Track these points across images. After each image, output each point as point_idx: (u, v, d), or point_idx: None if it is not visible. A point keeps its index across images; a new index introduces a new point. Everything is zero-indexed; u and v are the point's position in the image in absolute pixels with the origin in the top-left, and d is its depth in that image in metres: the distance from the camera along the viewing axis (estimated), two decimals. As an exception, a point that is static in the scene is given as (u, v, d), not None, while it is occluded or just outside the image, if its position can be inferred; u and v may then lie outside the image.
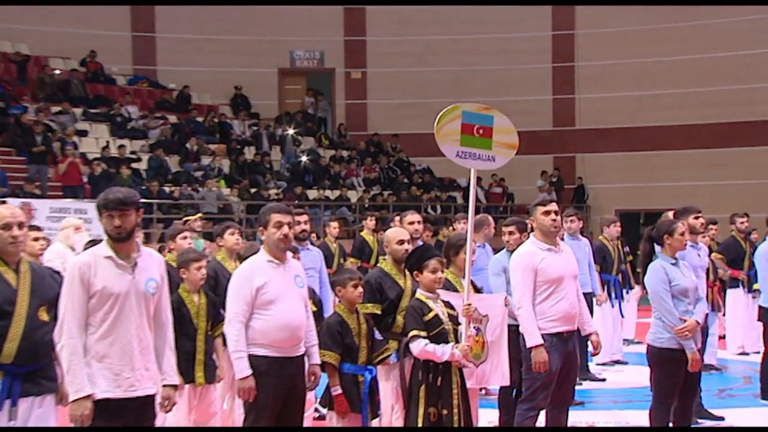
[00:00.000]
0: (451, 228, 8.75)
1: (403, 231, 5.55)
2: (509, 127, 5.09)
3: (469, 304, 4.89)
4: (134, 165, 16.92)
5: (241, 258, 5.32)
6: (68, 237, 7.52)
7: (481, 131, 4.98)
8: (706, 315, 6.25)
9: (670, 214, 6.71)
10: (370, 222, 10.92)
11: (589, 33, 21.86)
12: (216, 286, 5.79)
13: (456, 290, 5.22)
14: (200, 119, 20.02)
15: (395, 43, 22.42)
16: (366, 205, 18.25)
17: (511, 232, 6.35)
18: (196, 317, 5.30)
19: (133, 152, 17.63)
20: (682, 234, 5.30)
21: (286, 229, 4.40)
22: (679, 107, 21.10)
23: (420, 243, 6.29)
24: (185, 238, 6.29)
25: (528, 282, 5.09)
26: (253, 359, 4.35)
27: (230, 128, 20.25)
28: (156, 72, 21.85)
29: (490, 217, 7.45)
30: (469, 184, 5.10)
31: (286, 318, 4.39)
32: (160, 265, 3.88)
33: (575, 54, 22.16)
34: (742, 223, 9.77)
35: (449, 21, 22.26)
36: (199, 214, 10.07)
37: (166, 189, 16.41)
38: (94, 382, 3.62)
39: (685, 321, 5.13)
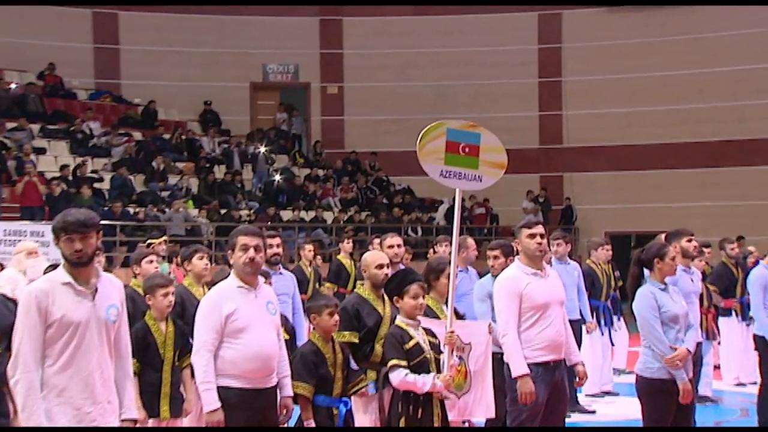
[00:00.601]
0: (431, 251, 8.77)
1: (382, 255, 5.57)
2: (497, 146, 5.13)
3: (452, 332, 4.90)
4: (96, 185, 16.83)
5: (212, 283, 5.31)
6: (20, 261, 7.45)
7: (467, 149, 5.02)
8: (700, 344, 6.30)
9: (661, 236, 6.77)
10: (347, 245, 10.93)
11: (577, 46, 22.12)
12: (183, 314, 5.78)
13: (437, 317, 5.24)
14: (167, 136, 19.97)
15: (374, 55, 22.55)
16: (343, 227, 18.25)
17: (496, 256, 6.38)
18: (163, 347, 5.28)
19: (94, 171, 17.54)
20: (673, 258, 5.36)
21: (252, 252, 4.40)
22: (671, 124, 21.33)
23: (401, 267, 6.31)
24: (151, 262, 6.28)
25: (513, 308, 5.12)
26: (222, 391, 4.34)
27: (199, 146, 20.20)
28: (119, 86, 21.81)
29: (469, 239, 7.48)
30: (453, 205, 5.13)
31: (257, 347, 4.38)
32: (120, 291, 3.86)
33: (562, 68, 22.38)
34: (732, 249, 9.78)
35: (430, 33, 22.44)
36: (165, 237, 10.03)
37: (130, 210, 16.32)
38: (53, 418, 3.57)
39: (676, 349, 5.16)
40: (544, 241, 5.25)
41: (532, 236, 5.22)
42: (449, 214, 19.73)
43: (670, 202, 21.00)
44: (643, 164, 21.55)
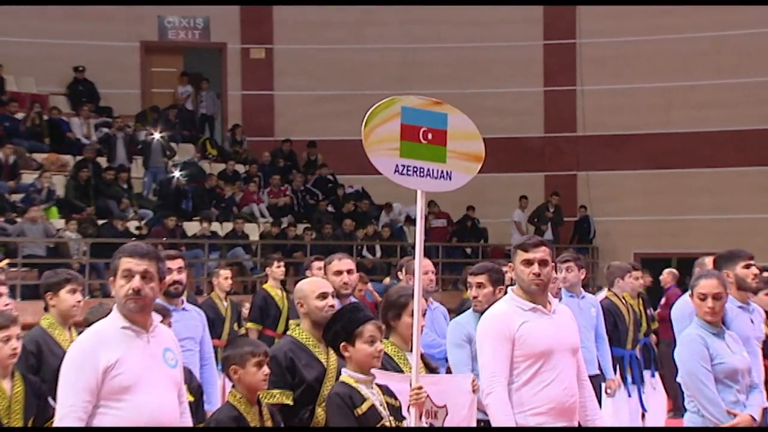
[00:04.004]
0: (392, 277, 8.88)
1: (323, 282, 5.62)
2: (470, 130, 5.23)
3: (419, 388, 4.96)
4: None
5: (86, 324, 5.30)
6: None
7: (430, 136, 5.10)
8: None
9: (708, 260, 6.87)
10: (277, 270, 10.95)
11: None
12: (39, 367, 5.77)
13: (399, 370, 5.30)
14: (20, 116, 19.80)
15: (315, 9, 22.55)
16: (272, 245, 18.23)
17: (480, 284, 6.43)
18: (7, 414, 5.26)
19: None
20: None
21: (137, 281, 4.41)
22: (727, 105, 21.59)
23: (352, 300, 6.36)
24: (0, 295, 6.27)
25: (501, 356, 5.16)
26: (98, 474, 4.35)
27: (67, 129, 20.05)
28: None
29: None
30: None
31: (148, 412, 4.39)
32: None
33: (577, 28, 22.57)
34: None
35: (395, -23, 22.52)
36: (5, 260, 9.92)
37: (-33, 220, 16.17)
38: None
39: (736, 415, 5.27)
40: (546, 270, 5.28)
41: (528, 263, 5.25)
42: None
43: (724, 212, 21.27)
44: (688, 160, 21.79)
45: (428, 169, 5.11)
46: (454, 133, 5.17)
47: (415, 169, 5.09)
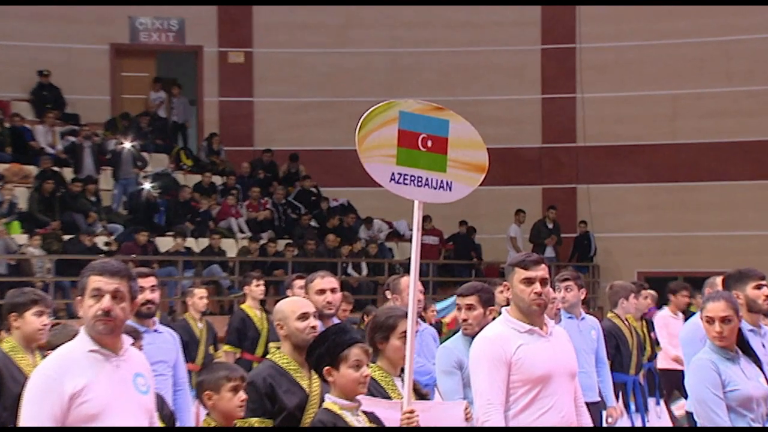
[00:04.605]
0: (383, 297, 8.89)
1: (304, 301, 5.62)
2: (473, 139, 5.24)
3: (412, 411, 4.96)
4: None
5: (50, 347, 5.28)
6: None
7: (429, 143, 5.11)
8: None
9: (718, 280, 6.87)
10: (256, 288, 10.95)
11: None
12: (-2, 393, 5.76)
13: (386, 396, 5.30)
14: (-19, 123, 19.79)
15: (298, 11, 22.58)
16: (251, 262, 18.21)
17: (470, 306, 6.42)
18: (-35, 443, 5.25)
19: None
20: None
21: (107, 301, 4.39)
22: (736, 114, 21.68)
23: (336, 321, 6.35)
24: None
25: (497, 381, 5.16)
26: None
27: (30, 138, 20.02)
28: None
29: (405, 278, 7.54)
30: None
31: (118, 441, 4.38)
32: None
33: (577, 32, 22.63)
34: None
35: (382, -23, 22.57)
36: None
37: (-77, 235, 16.12)
38: None
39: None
40: (546, 289, 5.29)
41: (529, 281, 5.25)
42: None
43: (733, 229, 21.31)
44: (695, 173, 21.86)
45: (427, 179, 5.12)
46: (455, 141, 5.18)
47: (413, 178, 5.09)
